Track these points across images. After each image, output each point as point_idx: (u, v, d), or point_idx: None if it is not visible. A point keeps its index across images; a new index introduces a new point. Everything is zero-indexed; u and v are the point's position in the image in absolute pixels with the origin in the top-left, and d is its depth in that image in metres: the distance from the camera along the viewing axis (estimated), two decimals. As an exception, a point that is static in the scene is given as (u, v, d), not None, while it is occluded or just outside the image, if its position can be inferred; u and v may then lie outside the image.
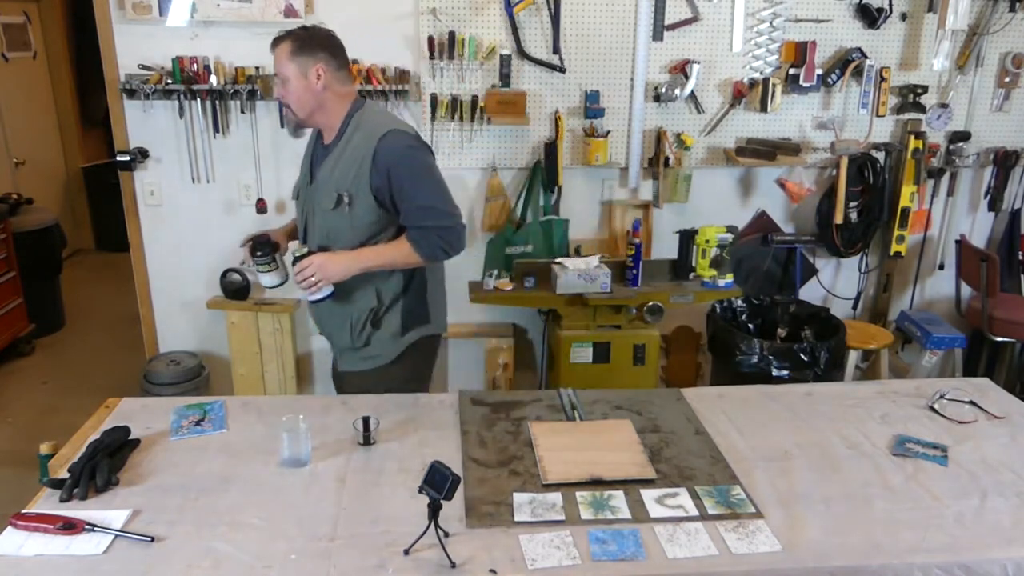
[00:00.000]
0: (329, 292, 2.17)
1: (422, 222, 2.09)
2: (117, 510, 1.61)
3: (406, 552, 1.50)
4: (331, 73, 2.11)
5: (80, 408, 2.35)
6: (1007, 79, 3.65)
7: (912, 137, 3.60)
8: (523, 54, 3.35)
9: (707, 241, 3.26)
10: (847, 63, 3.48)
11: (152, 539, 1.52)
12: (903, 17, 3.52)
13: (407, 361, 2.28)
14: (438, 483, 1.46)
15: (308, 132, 2.29)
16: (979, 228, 3.94)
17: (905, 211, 3.69)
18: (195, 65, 3.23)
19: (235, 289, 3.53)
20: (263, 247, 2.26)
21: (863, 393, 2.24)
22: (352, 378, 2.32)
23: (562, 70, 3.39)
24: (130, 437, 1.86)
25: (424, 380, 2.37)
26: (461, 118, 3.39)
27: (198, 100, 3.30)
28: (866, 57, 3.48)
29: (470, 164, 3.50)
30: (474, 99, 3.38)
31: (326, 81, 2.10)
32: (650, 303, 3.16)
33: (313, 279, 2.10)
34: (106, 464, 1.71)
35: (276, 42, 2.13)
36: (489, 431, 1.98)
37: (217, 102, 3.31)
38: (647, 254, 3.59)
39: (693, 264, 3.34)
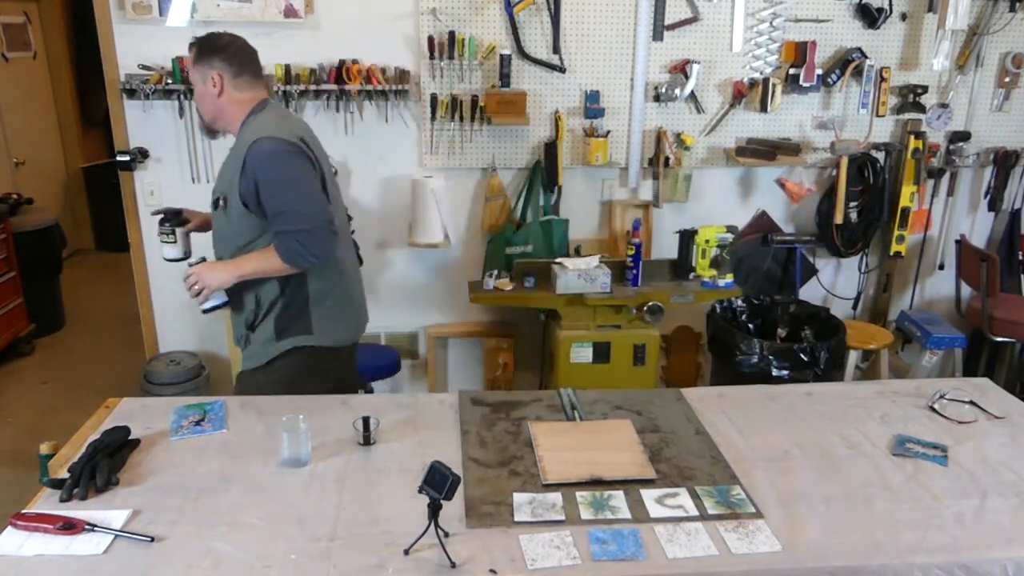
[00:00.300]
0: (220, 301, 2.21)
1: (283, 227, 2.09)
2: (117, 510, 1.61)
3: (406, 552, 1.50)
4: (228, 80, 2.16)
5: (80, 408, 2.35)
6: (1007, 79, 3.65)
7: (912, 137, 3.60)
8: (523, 54, 3.35)
9: (707, 241, 3.26)
10: (847, 63, 3.48)
11: (152, 539, 1.52)
12: (903, 17, 3.52)
13: (277, 367, 2.25)
14: (438, 483, 1.46)
15: (223, 135, 2.32)
16: (979, 228, 3.94)
17: (905, 211, 3.69)
18: (195, 65, 3.23)
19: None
20: (170, 219, 2.32)
21: (863, 393, 2.24)
22: (238, 377, 2.37)
23: (562, 70, 3.39)
24: (130, 437, 1.86)
25: (299, 390, 2.20)
26: (461, 118, 3.39)
27: (198, 100, 3.30)
28: (866, 57, 3.48)
29: (470, 164, 3.50)
30: (474, 99, 3.38)
31: (222, 88, 2.16)
32: (650, 303, 3.16)
33: (196, 288, 2.18)
34: (106, 464, 1.71)
35: (188, 49, 2.20)
36: (489, 431, 1.98)
37: (217, 102, 3.31)
38: (647, 254, 3.59)
39: (693, 264, 3.34)
